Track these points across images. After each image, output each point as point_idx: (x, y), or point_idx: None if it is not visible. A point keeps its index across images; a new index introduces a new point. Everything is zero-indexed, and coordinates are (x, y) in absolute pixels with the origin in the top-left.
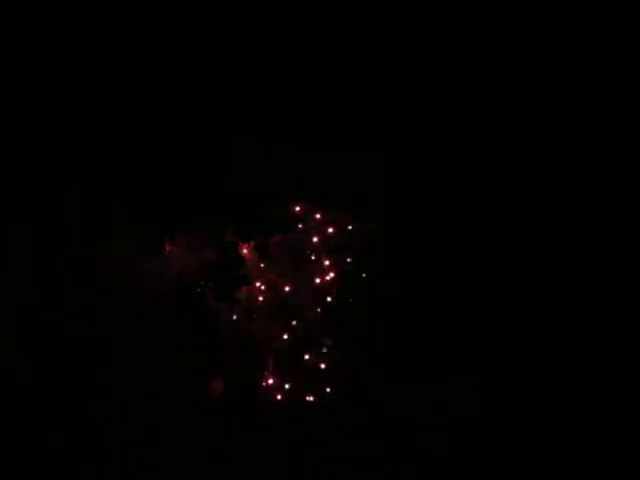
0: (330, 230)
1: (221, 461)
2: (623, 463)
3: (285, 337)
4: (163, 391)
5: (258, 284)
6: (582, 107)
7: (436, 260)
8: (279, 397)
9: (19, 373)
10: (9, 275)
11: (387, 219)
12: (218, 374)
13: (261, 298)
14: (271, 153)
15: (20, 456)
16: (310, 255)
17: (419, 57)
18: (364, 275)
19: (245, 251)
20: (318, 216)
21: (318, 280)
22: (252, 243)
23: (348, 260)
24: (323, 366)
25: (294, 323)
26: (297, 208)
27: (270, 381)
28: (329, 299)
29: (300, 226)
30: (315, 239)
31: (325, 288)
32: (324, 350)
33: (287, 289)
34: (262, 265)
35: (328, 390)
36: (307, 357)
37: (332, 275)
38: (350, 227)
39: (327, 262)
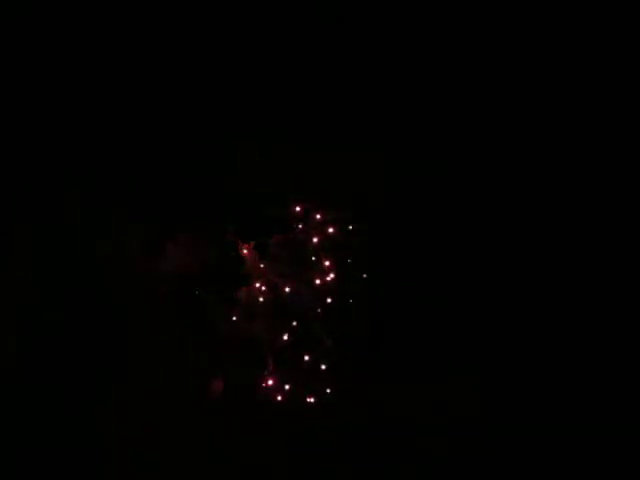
0: (330, 230)
1: (221, 461)
2: (623, 463)
3: (285, 337)
4: (163, 391)
5: (258, 284)
6: (582, 107)
7: (436, 260)
8: (279, 398)
9: (19, 373)
10: (9, 275)
11: (387, 219)
12: (218, 374)
13: (261, 298)
14: (271, 153)
15: (20, 456)
16: (310, 255)
17: (419, 57)
18: (364, 275)
19: (245, 251)
20: (318, 216)
21: (318, 280)
22: (252, 243)
23: (348, 260)
24: (323, 367)
25: (294, 323)
26: (297, 208)
27: (270, 382)
28: (329, 299)
29: (300, 226)
30: (315, 239)
31: (325, 288)
32: (324, 350)
33: (287, 289)
34: (262, 265)
35: (328, 391)
36: (307, 358)
37: (332, 275)
38: (350, 227)
39: (327, 262)
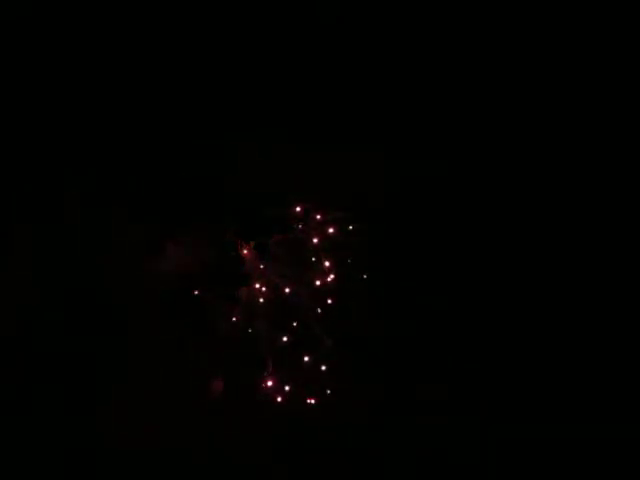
0: (330, 230)
1: (221, 461)
2: (623, 463)
3: (285, 338)
4: (163, 391)
5: (258, 285)
6: (582, 107)
7: (436, 260)
8: (279, 399)
9: (19, 373)
10: (9, 275)
11: (387, 219)
12: (218, 374)
13: (261, 299)
14: (271, 153)
15: (20, 456)
16: (310, 255)
17: (419, 57)
18: (365, 276)
19: (245, 251)
20: (318, 217)
21: (318, 281)
22: (252, 243)
23: (348, 261)
24: (323, 367)
25: (294, 324)
26: (297, 208)
27: (270, 383)
28: (329, 300)
29: (300, 226)
30: (315, 240)
31: (325, 289)
32: (324, 351)
33: (287, 290)
34: (262, 266)
35: (328, 392)
36: (307, 358)
37: (332, 276)
38: (350, 227)
39: (327, 263)
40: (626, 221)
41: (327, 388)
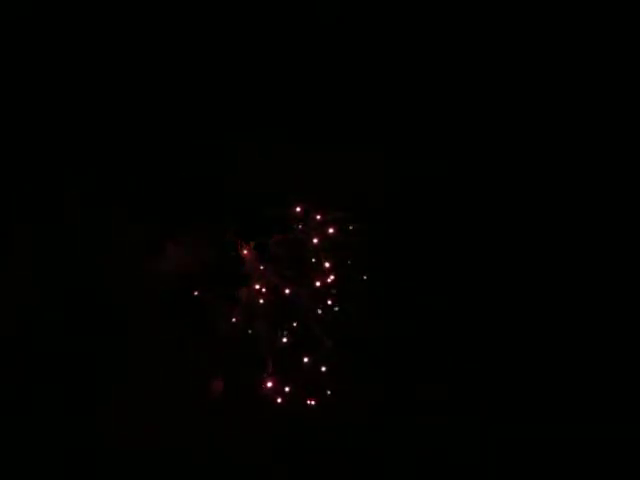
0: (330, 231)
1: (221, 461)
2: (623, 463)
3: (285, 339)
4: (163, 391)
5: (258, 285)
6: (582, 107)
7: (436, 260)
8: (279, 400)
9: (19, 373)
10: (9, 275)
11: (387, 219)
12: (218, 374)
13: (261, 299)
14: (271, 153)
15: (20, 456)
16: (310, 256)
17: (419, 57)
18: (365, 277)
19: (245, 251)
20: (318, 217)
21: (318, 281)
22: (252, 243)
23: (348, 261)
24: (323, 368)
25: (294, 324)
26: (297, 208)
27: (269, 384)
28: (329, 300)
29: (300, 226)
30: (315, 240)
31: (325, 289)
32: (324, 352)
33: (287, 290)
34: (262, 266)
35: (329, 392)
36: (306, 360)
37: (332, 276)
38: (350, 227)
39: (327, 263)
40: (626, 221)
41: (327, 388)
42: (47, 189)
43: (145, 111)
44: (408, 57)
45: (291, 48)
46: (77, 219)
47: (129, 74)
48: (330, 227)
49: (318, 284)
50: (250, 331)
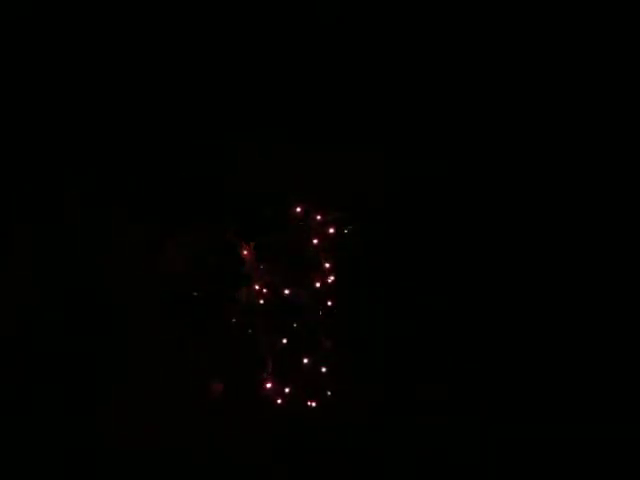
0: (330, 231)
1: (221, 461)
2: (623, 463)
3: (285, 339)
4: (163, 391)
5: (258, 285)
6: (582, 107)
7: (436, 260)
8: (279, 401)
9: (19, 373)
10: (9, 275)
11: (387, 219)
12: (218, 375)
13: (261, 300)
14: (271, 153)
15: (20, 456)
16: (310, 256)
17: (419, 57)
18: (364, 276)
19: (245, 252)
20: (318, 217)
21: (318, 281)
22: (252, 243)
23: (348, 261)
24: (324, 369)
25: (294, 325)
26: (297, 208)
27: (269, 385)
28: (329, 301)
29: (300, 226)
30: (315, 240)
31: (325, 289)
32: (324, 352)
33: (287, 291)
34: (262, 266)
35: (329, 393)
36: (306, 360)
37: (332, 276)
38: (350, 227)
39: (327, 263)
40: (627, 221)
41: (327, 389)
42: (47, 189)
43: (145, 111)
44: (408, 57)
45: (291, 48)
46: (77, 219)
47: (129, 74)
48: (330, 228)
49: (318, 285)
50: (250, 331)
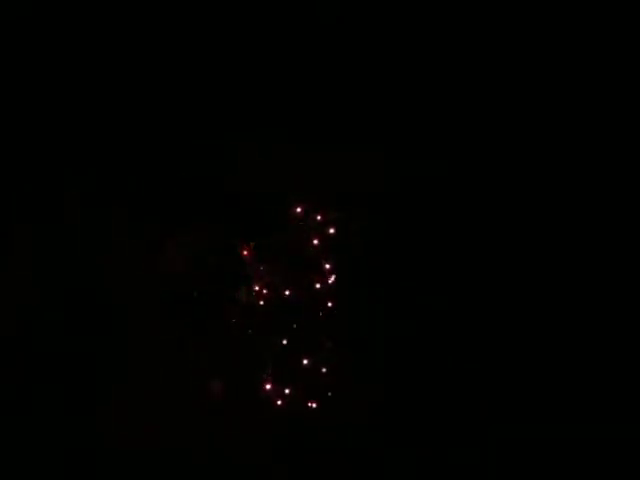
0: (331, 231)
1: (221, 461)
2: (623, 463)
3: (285, 339)
4: (163, 391)
5: (258, 286)
6: (582, 107)
7: (436, 260)
8: (279, 402)
9: (19, 373)
10: (9, 275)
11: (387, 219)
12: (218, 375)
13: (261, 300)
14: (271, 153)
15: (20, 456)
16: (310, 256)
17: (419, 57)
18: (364, 276)
19: (245, 252)
20: (318, 217)
21: (318, 282)
22: (252, 244)
23: (348, 261)
24: (324, 370)
25: (294, 325)
26: (297, 208)
27: (268, 386)
28: (329, 301)
29: (300, 226)
30: (315, 240)
31: (325, 290)
32: (324, 353)
33: (287, 291)
34: (262, 267)
35: (329, 394)
36: (306, 361)
37: (332, 276)
38: (350, 227)
39: (327, 263)
40: (627, 221)
41: (327, 390)
42: (47, 189)
43: (145, 111)
44: (408, 57)
45: (291, 48)
46: (77, 219)
47: (129, 74)
48: (330, 228)
49: (318, 285)
50: (250, 332)
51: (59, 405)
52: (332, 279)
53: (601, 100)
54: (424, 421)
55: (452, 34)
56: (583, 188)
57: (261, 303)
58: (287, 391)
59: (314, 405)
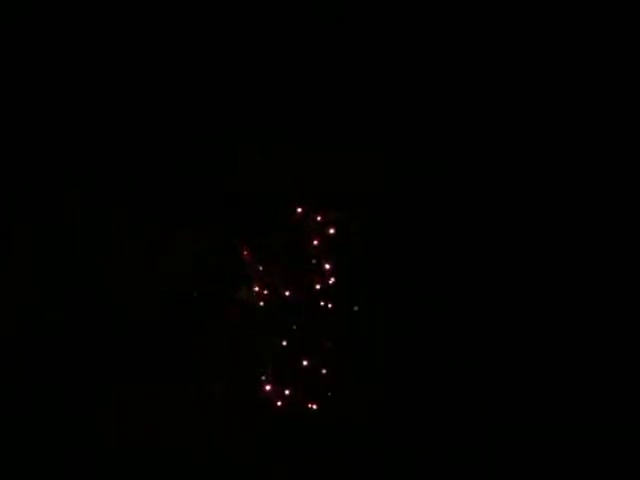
0: (331, 231)
1: (221, 461)
2: (623, 463)
3: (285, 340)
4: (163, 391)
5: (258, 286)
6: (582, 107)
7: (436, 260)
8: (279, 403)
9: (19, 373)
10: (9, 275)
11: (387, 219)
12: (218, 375)
13: (260, 300)
14: (271, 153)
15: (20, 456)
16: (310, 256)
17: (419, 57)
18: (364, 276)
19: (245, 252)
20: (319, 217)
21: (318, 282)
22: (252, 243)
23: (348, 261)
24: (324, 371)
25: (294, 326)
26: (297, 209)
27: (268, 387)
28: (329, 301)
29: (300, 227)
30: (315, 240)
31: (325, 290)
32: (324, 354)
33: (287, 291)
34: (261, 267)
35: (329, 394)
36: (306, 362)
37: (332, 277)
38: (350, 228)
39: (327, 263)
40: (627, 222)
41: (327, 390)
42: (47, 189)
43: (145, 111)
44: (408, 57)
45: (291, 48)
46: (77, 219)
47: (129, 74)
48: (330, 228)
49: (317, 284)
50: (250, 332)
51: (59, 405)
52: (332, 279)
53: (601, 100)
54: (424, 421)
55: (452, 34)
56: (583, 188)
57: (261, 303)
58: (287, 392)
59: (314, 406)
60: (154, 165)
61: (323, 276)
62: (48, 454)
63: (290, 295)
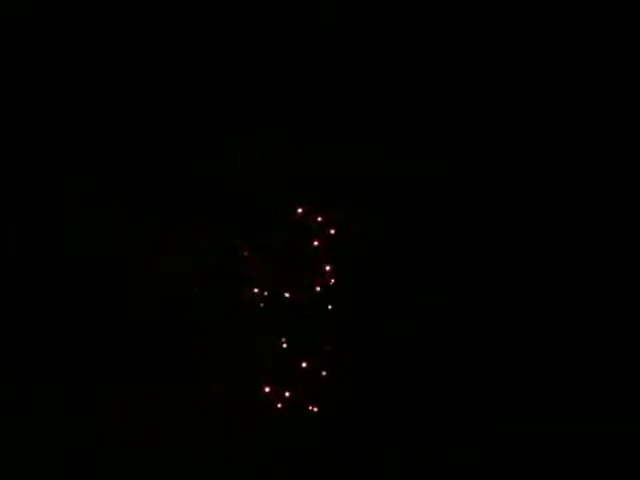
0: (331, 232)
1: (221, 461)
2: (623, 463)
3: (285, 340)
4: (163, 391)
5: (257, 287)
6: (582, 107)
7: (436, 260)
8: (279, 405)
9: (19, 373)
10: (9, 275)
11: (387, 219)
12: (218, 375)
13: (261, 300)
14: (271, 153)
15: (20, 456)
16: (310, 256)
17: (419, 57)
18: (364, 276)
19: (245, 252)
20: (319, 218)
21: (318, 282)
22: (252, 244)
23: (348, 261)
24: (324, 373)
25: (294, 326)
26: (297, 209)
27: (268, 389)
28: (329, 302)
29: (300, 227)
30: (315, 241)
31: (325, 290)
32: (324, 355)
33: (287, 292)
34: (262, 267)
35: (329, 395)
36: (307, 362)
37: (332, 277)
38: (350, 228)
39: (327, 263)
40: (627, 222)
41: (327, 390)
42: (47, 189)
43: (145, 111)
44: (408, 57)
45: (291, 48)
46: (77, 219)
47: (129, 74)
48: (331, 228)
49: (317, 284)
50: (250, 332)
51: (59, 405)
52: (332, 279)
53: (601, 100)
54: (424, 421)
55: (452, 34)
56: (583, 188)
57: (261, 304)
58: (287, 392)
59: (314, 407)
60: (154, 165)
61: (323, 276)
62: (48, 454)
63: (290, 295)
